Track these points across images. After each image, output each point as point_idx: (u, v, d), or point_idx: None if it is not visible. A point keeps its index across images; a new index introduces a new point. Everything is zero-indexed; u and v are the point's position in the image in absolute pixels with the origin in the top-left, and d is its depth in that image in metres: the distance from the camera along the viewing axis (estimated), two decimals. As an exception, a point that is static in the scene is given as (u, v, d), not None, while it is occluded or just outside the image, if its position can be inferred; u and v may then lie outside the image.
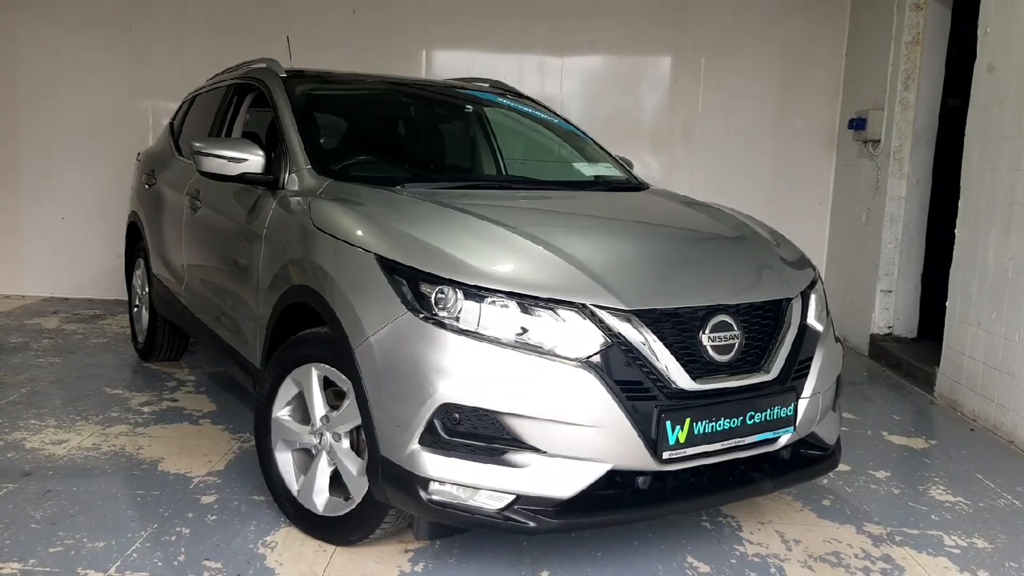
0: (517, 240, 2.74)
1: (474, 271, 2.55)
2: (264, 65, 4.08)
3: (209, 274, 4.01)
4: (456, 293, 2.52)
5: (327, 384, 2.90)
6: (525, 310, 2.50)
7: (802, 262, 3.21)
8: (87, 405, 4.36)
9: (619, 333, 2.51)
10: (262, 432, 3.10)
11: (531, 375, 2.45)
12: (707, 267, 2.93)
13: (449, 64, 7.12)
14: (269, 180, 3.41)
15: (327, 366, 2.84)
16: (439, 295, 2.53)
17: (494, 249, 2.69)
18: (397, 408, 2.54)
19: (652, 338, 2.54)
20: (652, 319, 2.56)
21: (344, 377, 2.74)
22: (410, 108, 4.20)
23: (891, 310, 6.27)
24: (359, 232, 2.81)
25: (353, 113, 4.12)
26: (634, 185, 3.95)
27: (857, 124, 6.39)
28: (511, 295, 2.50)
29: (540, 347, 2.47)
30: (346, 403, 2.77)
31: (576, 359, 2.47)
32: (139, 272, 5.37)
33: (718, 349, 2.66)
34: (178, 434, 3.98)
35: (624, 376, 2.49)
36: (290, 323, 3.13)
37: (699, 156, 7.22)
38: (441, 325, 2.50)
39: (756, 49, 7.11)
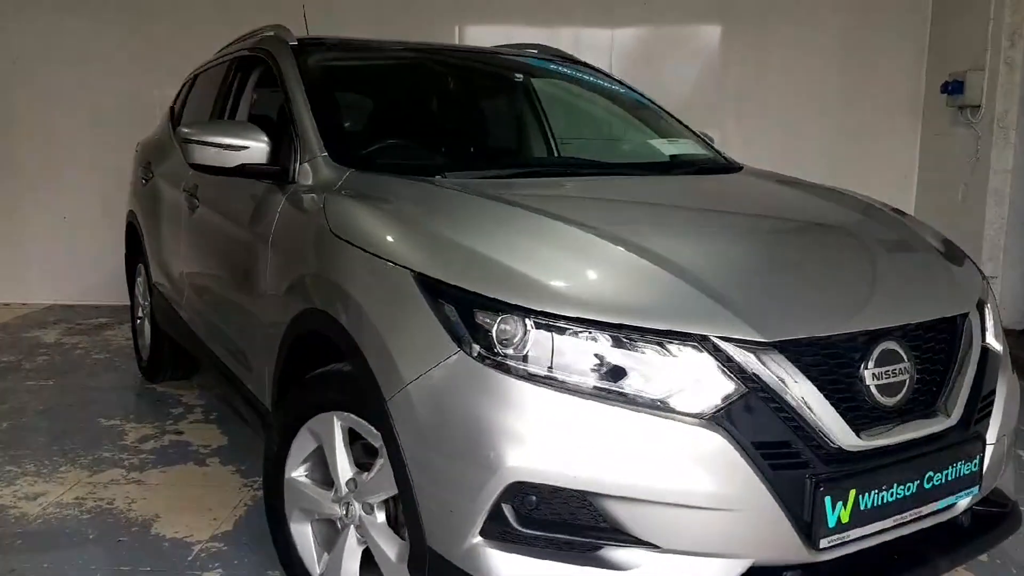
0: (602, 246, 2.02)
1: (550, 293, 1.84)
2: (271, 33, 3.37)
3: (209, 287, 3.34)
4: (525, 324, 1.81)
5: (353, 436, 2.21)
6: (622, 346, 1.79)
7: (967, 263, 2.47)
8: (76, 443, 3.71)
9: (755, 375, 1.78)
10: (273, 497, 2.42)
11: (635, 439, 1.75)
12: (857, 276, 2.18)
13: (486, 40, 6.38)
14: (276, 172, 2.72)
15: (353, 416, 2.16)
16: (502, 327, 1.82)
17: (573, 260, 1.98)
18: (449, 485, 1.84)
19: (801, 379, 1.81)
20: (798, 353, 1.84)
21: (375, 431, 2.06)
22: (446, 80, 3.47)
23: (997, 299, 5.46)
24: (390, 240, 2.12)
25: (378, 88, 3.39)
26: (725, 165, 3.20)
27: (952, 88, 5.59)
28: (602, 326, 1.79)
29: (646, 398, 1.76)
30: (379, 464, 2.08)
31: (697, 414, 1.76)
32: (140, 280, 4.72)
33: (884, 389, 1.93)
34: (180, 479, 3.32)
35: (765, 435, 1.77)
36: (306, 354, 2.45)
37: (761, 128, 6.43)
38: (506, 369, 1.80)
39: (824, 8, 6.31)
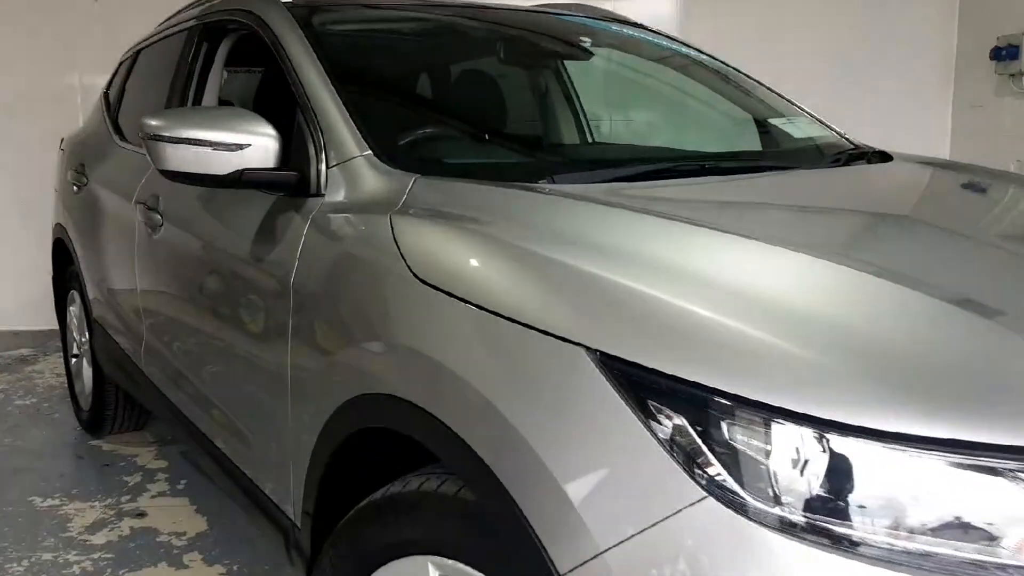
0: (894, 292, 1.24)
1: (869, 389, 1.06)
2: (251, -9, 2.49)
3: (184, 337, 2.46)
4: (823, 442, 1.04)
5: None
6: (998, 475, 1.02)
7: None
8: (1, 538, 2.80)
9: None
10: None
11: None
12: None
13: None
14: (291, 181, 1.88)
15: (461, 565, 1.36)
16: (782, 452, 1.05)
17: (871, 320, 1.19)
18: None
19: None
20: None
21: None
22: (496, 48, 2.59)
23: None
24: (536, 293, 1.30)
25: (416, 61, 2.51)
26: (871, 152, 2.43)
27: (1007, 53, 4.96)
28: (969, 448, 1.02)
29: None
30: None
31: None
32: (73, 309, 3.78)
33: None
34: (152, 594, 2.46)
35: None
36: (361, 454, 1.64)
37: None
38: (792, 531, 1.02)
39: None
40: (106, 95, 3.67)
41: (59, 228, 3.72)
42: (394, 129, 1.96)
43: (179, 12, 3.12)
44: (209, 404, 2.29)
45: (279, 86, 2.71)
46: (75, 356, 3.85)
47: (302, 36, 2.13)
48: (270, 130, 1.90)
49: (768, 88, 2.76)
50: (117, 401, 3.50)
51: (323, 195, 1.84)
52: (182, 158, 1.87)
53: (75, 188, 3.44)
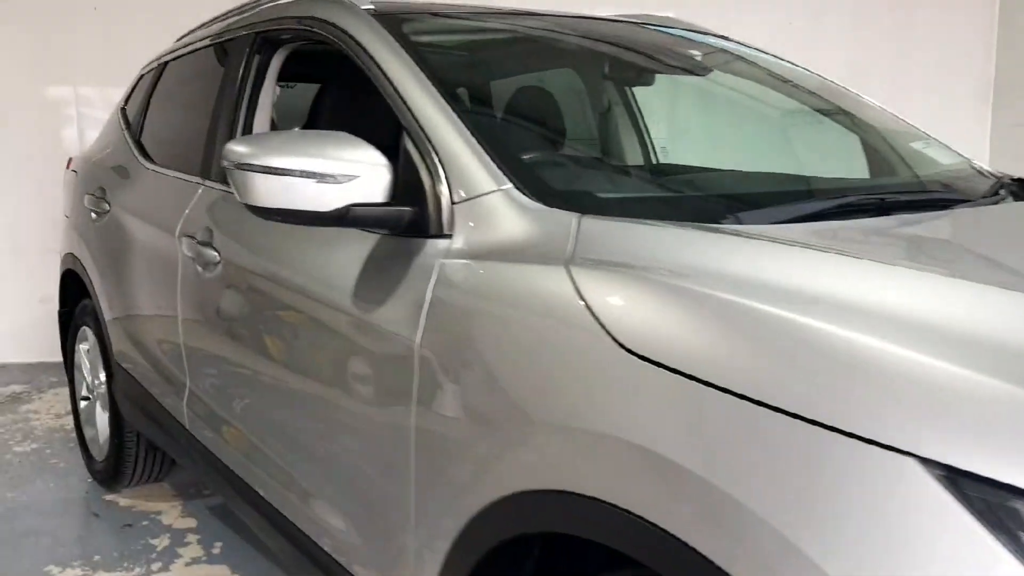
0: None
1: None
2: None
3: (254, 398, 2.12)
4: None
5: None
6: None
7: None
8: (23, 624, 2.44)
9: None
10: None
11: None
12: None
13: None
14: (408, 219, 1.57)
15: None
16: None
17: None
18: None
19: None
20: None
21: None
22: (624, 64, 2.23)
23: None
24: (805, 377, 0.99)
25: (535, 77, 2.19)
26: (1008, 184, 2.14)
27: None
28: None
29: None
30: None
31: None
32: (85, 348, 3.42)
33: None
34: None
35: None
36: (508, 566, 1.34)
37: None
38: None
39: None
40: (124, 111, 3.33)
41: (71, 259, 3.36)
42: (536, 157, 1.65)
43: (217, 20, 2.80)
44: (288, 479, 1.95)
45: (346, 104, 2.41)
46: (85, 399, 3.48)
47: (400, 49, 1.83)
48: (381, 159, 1.60)
49: (886, 110, 2.49)
50: (138, 451, 3.14)
51: (449, 236, 1.53)
52: (275, 191, 1.56)
53: (93, 215, 3.09)
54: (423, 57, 1.81)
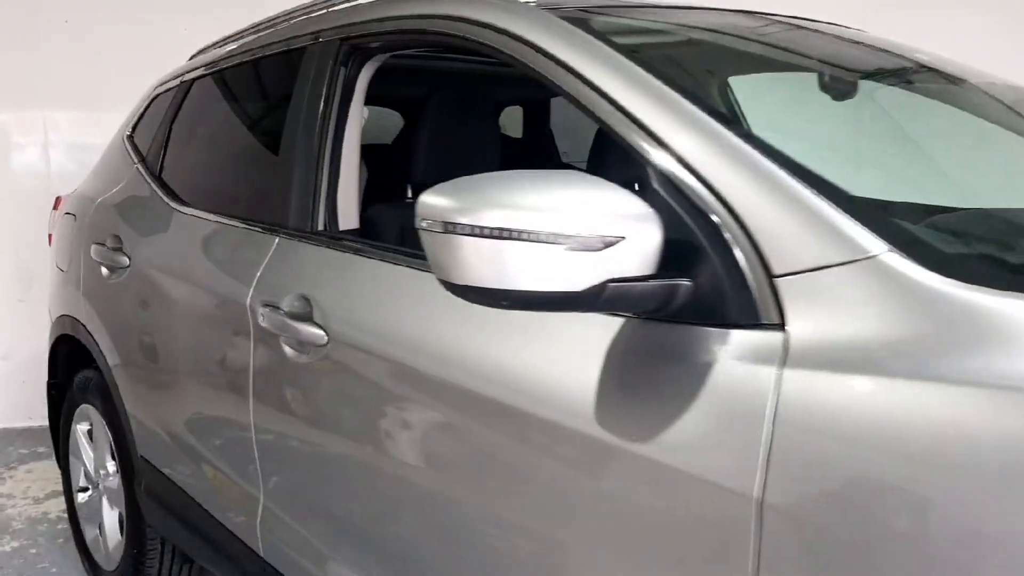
0: None
1: None
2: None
3: (401, 544, 1.54)
4: None
5: None
6: None
7: None
8: None
9: None
10: None
11: None
12: None
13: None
14: (685, 297, 1.06)
15: None
16: None
17: None
18: None
19: None
20: None
21: None
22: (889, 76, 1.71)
23: None
24: None
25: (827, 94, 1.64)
26: None
27: None
28: None
29: None
30: None
31: None
32: (82, 429, 2.79)
33: None
34: None
35: None
36: None
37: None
38: None
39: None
40: (132, 139, 2.72)
41: (68, 321, 2.72)
42: (918, 206, 1.12)
43: (261, 25, 2.23)
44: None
45: (487, 132, 1.90)
46: (84, 490, 2.84)
47: (624, 61, 1.30)
48: (647, 209, 1.07)
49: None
50: (163, 563, 2.52)
51: (783, 328, 1.00)
52: (503, 263, 1.02)
53: (105, 271, 2.46)
54: (659, 72, 1.28)
